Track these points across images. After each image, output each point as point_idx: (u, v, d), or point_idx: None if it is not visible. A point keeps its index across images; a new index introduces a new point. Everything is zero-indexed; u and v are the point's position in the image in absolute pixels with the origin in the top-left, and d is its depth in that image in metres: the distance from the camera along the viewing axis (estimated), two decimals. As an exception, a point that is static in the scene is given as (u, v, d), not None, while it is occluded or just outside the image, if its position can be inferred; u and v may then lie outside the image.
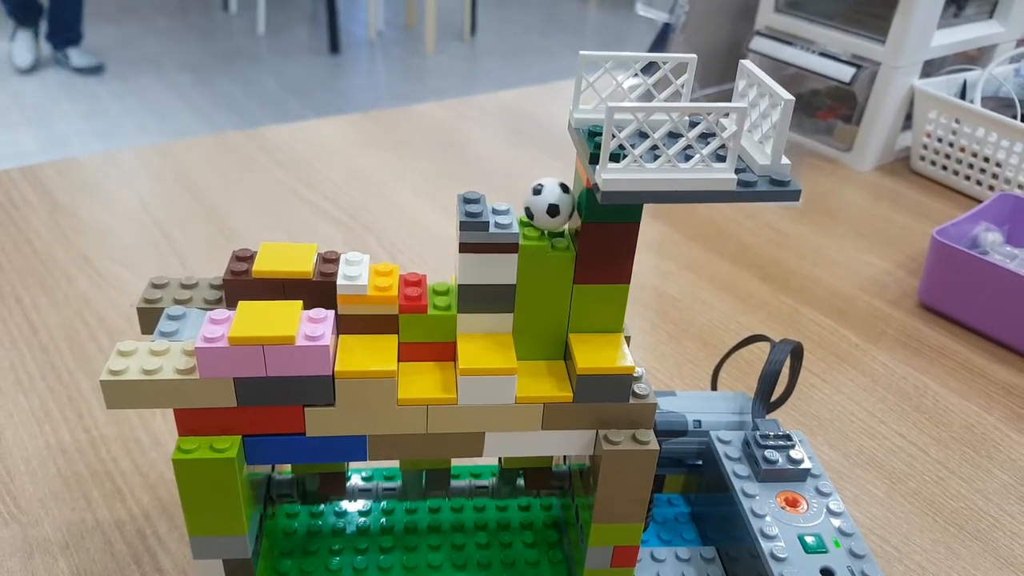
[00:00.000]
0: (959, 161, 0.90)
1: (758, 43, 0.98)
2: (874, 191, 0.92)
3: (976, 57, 1.00)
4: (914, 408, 0.60)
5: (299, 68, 3.37)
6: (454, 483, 0.46)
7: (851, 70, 0.91)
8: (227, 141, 0.95)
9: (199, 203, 0.82)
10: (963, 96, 0.94)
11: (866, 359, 0.65)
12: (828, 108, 1.01)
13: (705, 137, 0.36)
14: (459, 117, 1.06)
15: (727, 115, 0.36)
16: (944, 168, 0.92)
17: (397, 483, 0.46)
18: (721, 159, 0.33)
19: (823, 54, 0.94)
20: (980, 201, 0.86)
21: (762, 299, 0.72)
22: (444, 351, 0.39)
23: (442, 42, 3.74)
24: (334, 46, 3.58)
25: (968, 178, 0.90)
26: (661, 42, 1.11)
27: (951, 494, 0.53)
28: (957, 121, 0.89)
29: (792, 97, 0.32)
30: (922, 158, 0.94)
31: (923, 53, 0.90)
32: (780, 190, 0.32)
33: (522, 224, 0.37)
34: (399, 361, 0.38)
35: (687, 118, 0.36)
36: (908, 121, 0.95)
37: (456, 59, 3.60)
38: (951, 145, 0.90)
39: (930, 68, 0.94)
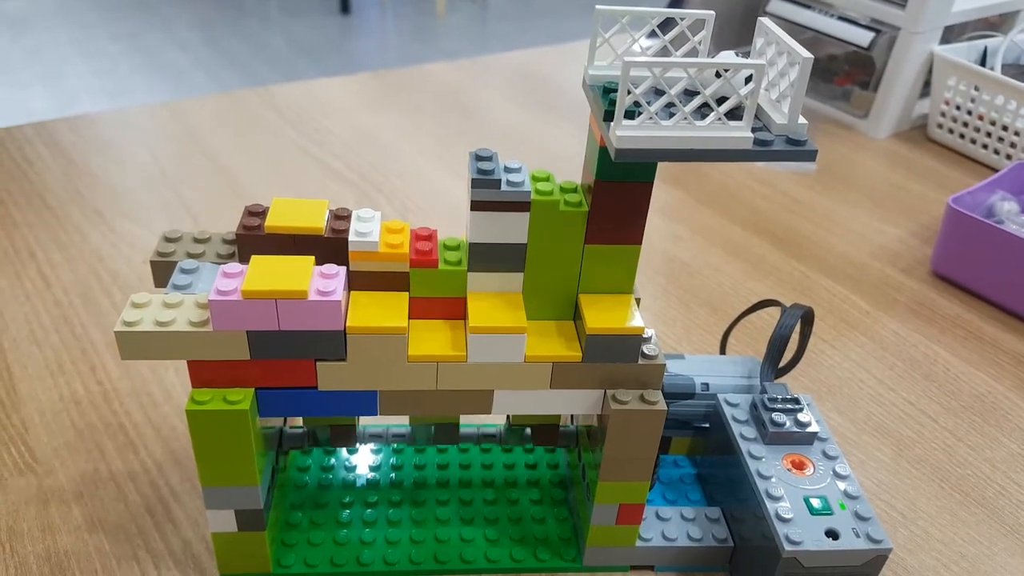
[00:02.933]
0: (977, 129, 0.89)
1: (775, 6, 0.97)
2: (890, 158, 0.91)
3: (997, 23, 0.98)
4: (924, 376, 0.60)
5: (309, 28, 3.34)
6: (463, 430, 0.46)
7: (870, 35, 0.89)
8: (238, 99, 0.95)
9: (210, 160, 0.82)
10: (983, 63, 0.93)
11: (876, 326, 0.65)
12: (845, 74, 1.00)
13: (722, 99, 0.35)
14: (470, 78, 1.05)
15: (746, 77, 0.35)
16: (962, 136, 0.91)
17: (407, 429, 0.46)
18: (737, 117, 0.33)
19: (841, 18, 0.92)
20: (997, 170, 0.85)
21: (773, 265, 0.72)
22: (454, 307, 0.39)
23: (453, 3, 3.70)
24: (345, 6, 3.54)
25: (986, 147, 0.89)
26: (677, 4, 1.09)
27: (958, 461, 0.53)
28: (976, 88, 0.88)
29: (811, 55, 0.31)
30: (939, 126, 0.93)
31: (944, 18, 0.89)
32: (796, 149, 0.32)
33: (535, 180, 0.37)
34: (410, 318, 0.38)
35: (704, 75, 0.36)
36: (926, 88, 0.94)
37: (467, 21, 3.57)
38: (969, 113, 0.89)
39: (950, 34, 0.93)
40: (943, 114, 0.92)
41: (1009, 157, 0.87)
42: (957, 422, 0.56)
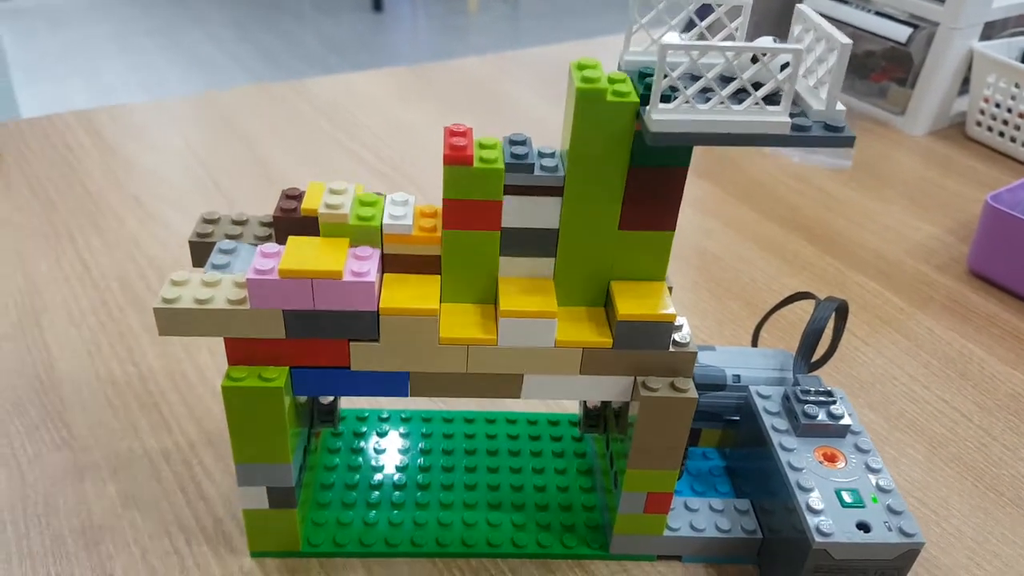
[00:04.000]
0: (1017, 127, 0.88)
1: (812, 2, 0.96)
2: (927, 156, 0.90)
3: (1040, 20, 0.96)
4: (959, 374, 0.59)
5: (342, 25, 3.36)
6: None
7: (907, 30, 0.88)
8: (271, 91, 0.96)
9: (245, 149, 0.83)
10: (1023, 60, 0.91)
11: (911, 323, 0.64)
12: (882, 70, 0.98)
13: (756, 85, 0.35)
14: (500, 72, 1.05)
15: (783, 67, 0.35)
16: (1001, 135, 0.90)
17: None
18: (775, 103, 0.32)
19: (879, 13, 0.91)
20: (1037, 169, 0.83)
21: (807, 260, 0.71)
22: (488, 214, 0.36)
23: (485, 1, 3.71)
24: (377, 4, 3.56)
25: (1026, 145, 0.88)
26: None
27: (992, 461, 0.52)
28: (1017, 86, 0.86)
29: (849, 40, 0.31)
30: (978, 123, 0.92)
31: (984, 14, 0.87)
32: (834, 136, 0.32)
33: (579, 68, 0.34)
34: (443, 227, 0.37)
35: (741, 60, 0.35)
36: (965, 85, 0.93)
37: (498, 18, 3.57)
38: (1009, 111, 0.88)
39: (991, 30, 0.91)
40: (982, 112, 0.91)
41: (1050, 156, 0.85)
42: (992, 421, 0.55)
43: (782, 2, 1.01)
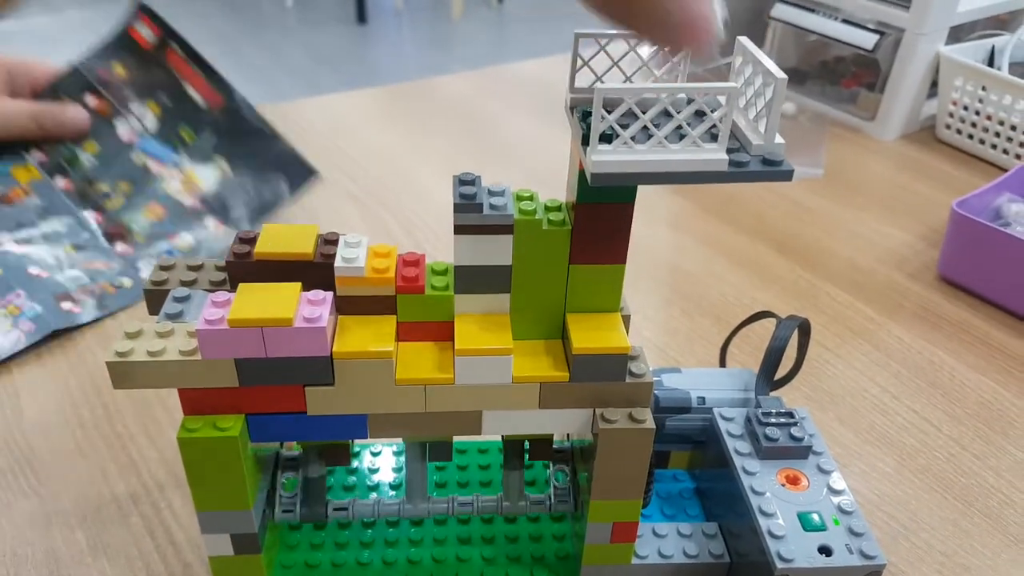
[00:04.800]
0: (985, 130, 0.88)
1: (780, 10, 0.97)
2: (897, 161, 0.91)
3: (1007, 21, 0.97)
4: (929, 383, 0.60)
5: (327, 38, 3.37)
6: (459, 499, 0.45)
7: (874, 37, 0.89)
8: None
9: (218, 180, 0.83)
10: (991, 62, 0.92)
11: (881, 333, 0.64)
12: (852, 76, 0.99)
13: (702, 116, 0.35)
14: (481, 90, 1.06)
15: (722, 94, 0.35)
16: (970, 137, 0.90)
17: (399, 501, 0.45)
18: (714, 138, 0.33)
19: (846, 21, 0.92)
20: (1007, 170, 0.84)
21: (778, 273, 0.71)
22: (443, 331, 0.39)
23: (469, 9, 3.72)
24: (361, 16, 3.57)
25: (995, 147, 0.88)
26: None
27: (962, 471, 0.53)
28: (983, 88, 0.87)
29: (784, 76, 0.31)
30: (947, 126, 0.92)
31: (949, 19, 0.88)
32: (772, 170, 0.32)
33: (518, 199, 0.37)
34: (398, 341, 0.39)
35: (682, 96, 0.36)
36: (934, 88, 0.93)
37: (483, 25, 3.58)
38: (977, 113, 0.88)
39: (959, 33, 0.92)
40: (951, 115, 0.91)
41: (1019, 157, 0.86)
42: (962, 430, 0.56)
43: (751, 17, 1.02)
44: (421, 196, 0.81)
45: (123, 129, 0.72)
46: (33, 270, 0.63)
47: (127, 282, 0.64)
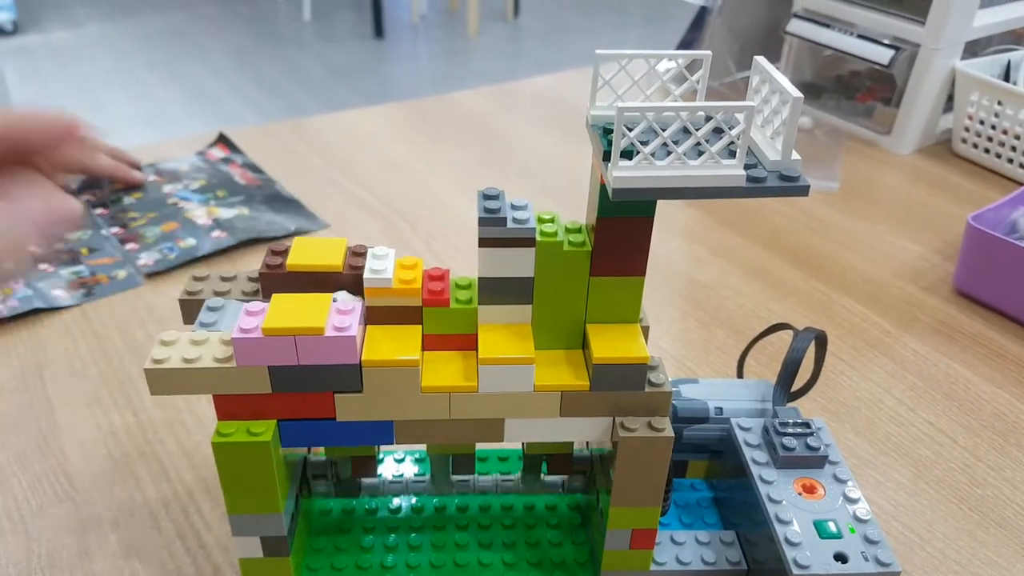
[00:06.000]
0: (1001, 144, 0.89)
1: (796, 25, 0.98)
2: (913, 175, 0.91)
3: (1023, 35, 0.97)
4: (944, 396, 0.60)
5: (343, 53, 3.41)
6: (481, 478, 0.48)
7: (889, 52, 0.90)
8: (268, 131, 0.98)
9: (242, 193, 0.84)
10: (1007, 77, 0.92)
11: (897, 346, 0.65)
12: (868, 90, 1.00)
13: (720, 132, 0.36)
14: (497, 105, 1.07)
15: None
16: (986, 151, 0.91)
17: (426, 476, 0.48)
18: (733, 155, 0.34)
19: (861, 36, 0.92)
20: (1023, 184, 0.84)
21: (794, 286, 0.72)
22: (466, 341, 0.40)
23: (485, 24, 3.75)
24: (378, 30, 3.60)
25: (1011, 161, 0.89)
26: (699, 24, 1.10)
27: (978, 482, 0.53)
28: (999, 103, 0.87)
29: (800, 95, 0.32)
30: (963, 141, 0.93)
31: (965, 34, 0.89)
32: (789, 186, 0.33)
33: (539, 221, 0.39)
34: (423, 350, 0.40)
35: (701, 113, 0.37)
36: (950, 103, 0.94)
37: (499, 41, 3.61)
38: (993, 128, 0.89)
39: (974, 47, 0.93)
40: (967, 129, 0.92)
41: (1035, 171, 0.86)
42: (977, 442, 0.56)
43: (767, 31, 1.03)
44: (440, 209, 0.83)
45: (169, 188, 0.83)
46: (41, 266, 0.70)
47: (121, 274, 0.70)
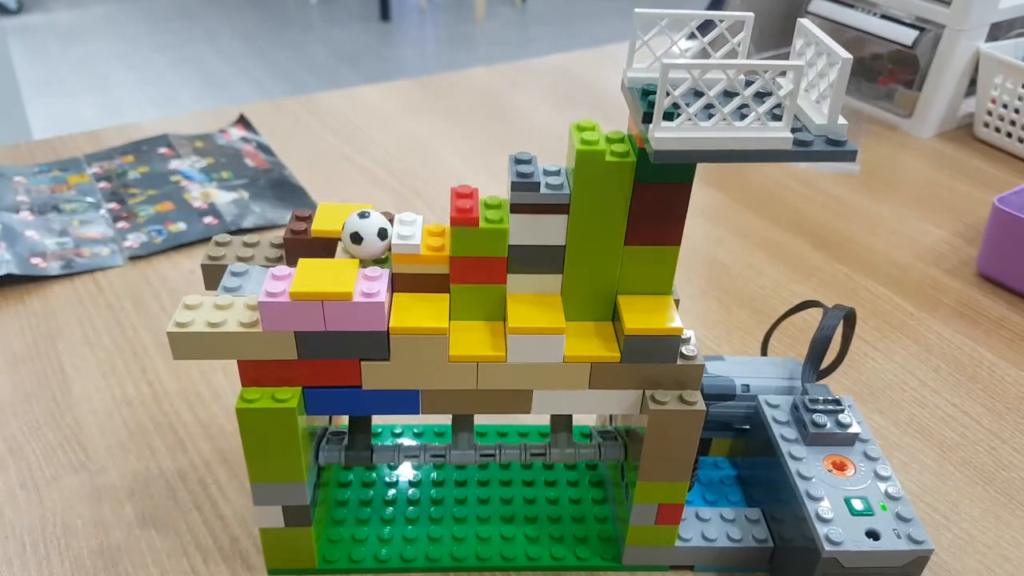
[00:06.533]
0: (1024, 128, 0.88)
1: (817, 5, 0.96)
2: (935, 158, 0.90)
3: (1047, 19, 0.96)
4: (968, 378, 0.59)
5: (350, 36, 3.38)
6: (507, 447, 0.44)
7: (913, 33, 0.88)
8: (281, 107, 0.97)
9: (255, 167, 0.83)
10: (1031, 60, 0.91)
11: (920, 328, 0.64)
12: (889, 73, 0.98)
13: (761, 97, 0.35)
14: (508, 82, 1.06)
15: (783, 74, 0.35)
16: (1009, 135, 0.90)
17: (446, 445, 0.46)
18: (777, 118, 0.33)
19: (884, 16, 0.91)
20: (1045, 169, 0.83)
21: (815, 267, 0.71)
22: (494, 269, 0.38)
23: (492, 8, 3.72)
24: (385, 14, 3.58)
25: (1034, 145, 0.87)
26: (717, 5, 1.09)
27: (1003, 464, 0.52)
28: (1024, 86, 0.86)
29: (850, 56, 0.31)
30: (986, 124, 0.92)
31: (990, 15, 0.87)
32: (836, 150, 0.32)
33: (579, 129, 0.36)
34: (450, 280, 0.38)
35: (743, 77, 0.36)
36: (972, 86, 0.93)
37: (506, 26, 3.58)
38: (1017, 111, 0.88)
39: (997, 31, 0.91)
40: (990, 113, 0.91)
41: (1058, 156, 0.85)
42: (1002, 424, 0.55)
43: (785, 12, 1.01)
44: (452, 183, 0.81)
45: (175, 163, 0.83)
46: (28, 232, 0.70)
47: (105, 251, 0.69)
